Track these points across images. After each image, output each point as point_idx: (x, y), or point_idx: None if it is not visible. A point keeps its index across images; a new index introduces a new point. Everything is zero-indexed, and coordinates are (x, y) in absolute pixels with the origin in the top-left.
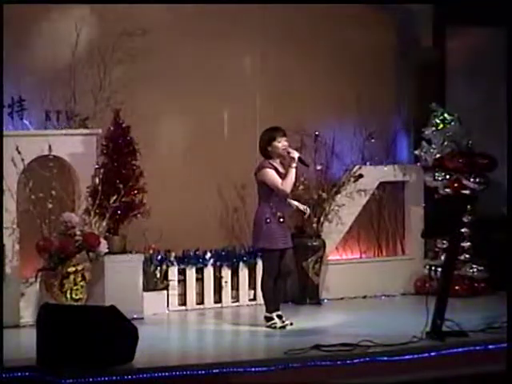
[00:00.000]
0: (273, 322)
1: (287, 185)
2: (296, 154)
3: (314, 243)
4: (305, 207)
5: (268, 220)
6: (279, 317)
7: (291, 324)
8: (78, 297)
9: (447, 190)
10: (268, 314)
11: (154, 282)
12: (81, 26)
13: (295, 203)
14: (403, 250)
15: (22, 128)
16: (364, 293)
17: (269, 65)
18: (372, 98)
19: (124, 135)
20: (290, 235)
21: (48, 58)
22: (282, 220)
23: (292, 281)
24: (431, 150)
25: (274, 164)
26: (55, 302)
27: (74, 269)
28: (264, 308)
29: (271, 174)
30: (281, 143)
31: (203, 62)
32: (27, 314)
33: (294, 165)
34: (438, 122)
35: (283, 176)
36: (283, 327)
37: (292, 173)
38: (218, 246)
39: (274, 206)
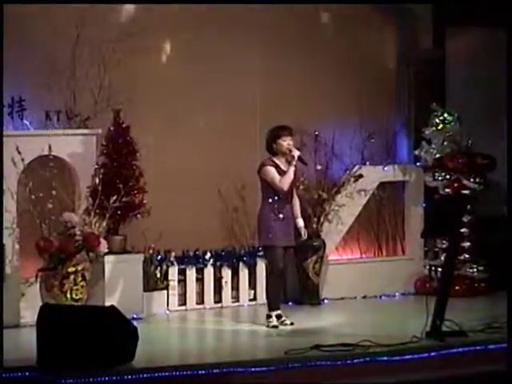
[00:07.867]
0: (269, 320)
1: (285, 182)
2: (297, 153)
3: (314, 243)
4: (305, 231)
5: (269, 217)
6: (278, 316)
7: (291, 324)
8: (78, 297)
9: (447, 190)
10: (269, 313)
11: (154, 282)
12: (81, 26)
13: (300, 224)
14: (403, 250)
15: (22, 128)
16: (364, 293)
17: (269, 65)
18: (372, 98)
19: (124, 135)
20: (295, 233)
21: (48, 58)
22: (283, 217)
23: (292, 281)
24: (431, 150)
25: (277, 161)
26: (55, 302)
27: (73, 269)
28: (267, 307)
29: (271, 171)
30: (286, 142)
31: (203, 62)
32: (27, 314)
33: (294, 163)
34: (438, 121)
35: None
36: (275, 326)
37: (291, 171)
38: (218, 246)
39: (276, 204)
